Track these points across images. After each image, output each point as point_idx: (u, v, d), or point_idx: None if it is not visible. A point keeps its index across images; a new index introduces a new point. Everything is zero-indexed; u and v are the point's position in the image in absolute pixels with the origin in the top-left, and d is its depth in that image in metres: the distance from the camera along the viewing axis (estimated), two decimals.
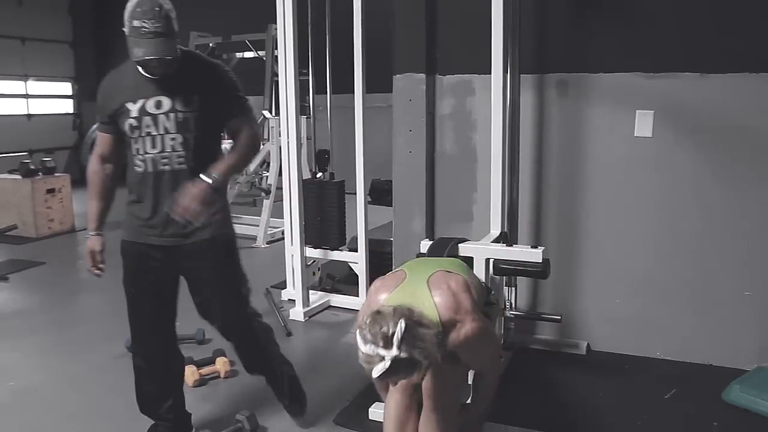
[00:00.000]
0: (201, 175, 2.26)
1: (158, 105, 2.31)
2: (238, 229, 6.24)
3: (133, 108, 2.32)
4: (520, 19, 3.16)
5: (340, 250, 4.41)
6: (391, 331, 1.78)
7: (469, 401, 2.46)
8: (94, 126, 2.51)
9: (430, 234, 3.71)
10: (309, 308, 4.18)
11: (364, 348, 1.81)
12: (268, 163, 6.48)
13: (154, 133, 2.32)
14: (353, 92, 4.01)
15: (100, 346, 3.68)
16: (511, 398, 2.96)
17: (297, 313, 4.13)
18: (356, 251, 4.29)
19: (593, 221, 3.42)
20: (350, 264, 4.38)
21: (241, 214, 7.01)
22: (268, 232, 6.19)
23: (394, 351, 1.77)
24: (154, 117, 2.31)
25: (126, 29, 2.15)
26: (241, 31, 7.74)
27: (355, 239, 4.34)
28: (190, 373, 3.18)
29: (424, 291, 2.07)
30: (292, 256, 4.38)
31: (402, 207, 3.78)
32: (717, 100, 3.11)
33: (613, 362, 3.37)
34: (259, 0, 8.45)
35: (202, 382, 3.21)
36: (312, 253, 4.35)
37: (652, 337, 3.39)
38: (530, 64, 3.33)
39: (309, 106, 4.92)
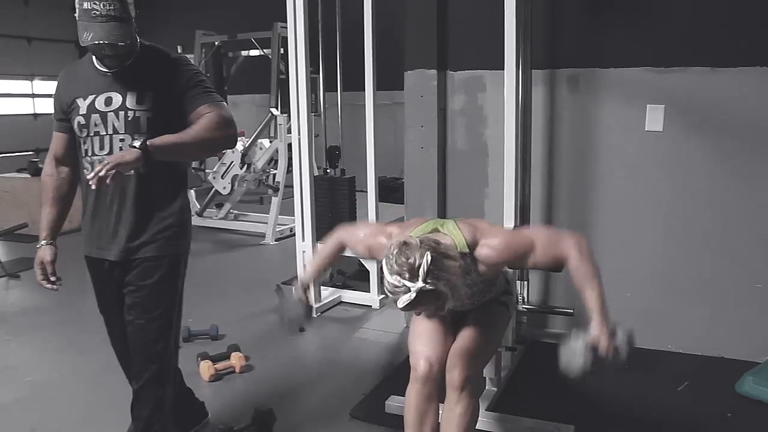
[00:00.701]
0: (133, 142, 1.96)
1: (108, 102, 2.06)
2: (246, 227, 6.43)
3: (83, 104, 2.09)
4: (531, 15, 3.18)
5: None
6: (417, 263, 1.79)
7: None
8: None
9: None
10: (321, 304, 4.20)
11: (390, 278, 1.82)
12: (276, 161, 6.52)
13: (103, 133, 2.07)
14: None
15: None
16: (525, 391, 2.99)
17: None
18: None
19: (604, 215, 3.44)
20: (361, 260, 4.40)
21: (247, 211, 7.07)
22: (277, 230, 6.21)
23: (420, 282, 1.79)
24: (103, 115, 2.06)
25: (76, 12, 1.92)
26: (246, 30, 7.76)
27: None
28: (206, 368, 3.21)
29: (450, 224, 2.09)
30: (303, 252, 4.41)
31: (414, 202, 3.80)
32: (728, 95, 3.13)
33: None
34: None
35: (218, 377, 3.23)
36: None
37: (663, 330, 3.41)
38: (541, 60, 3.35)
39: (318, 103, 4.95)
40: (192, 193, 7.01)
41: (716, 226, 3.25)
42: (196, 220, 6.80)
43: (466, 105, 3.62)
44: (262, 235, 6.23)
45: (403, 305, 1.81)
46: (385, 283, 1.85)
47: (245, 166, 6.24)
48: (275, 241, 6.16)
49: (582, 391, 3.02)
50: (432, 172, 3.70)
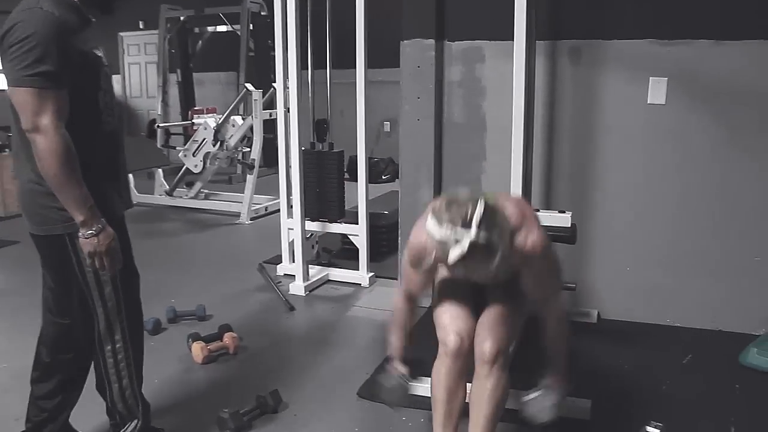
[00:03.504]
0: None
1: None
2: (219, 206, 6.24)
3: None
4: None
5: (339, 222, 4.32)
6: (470, 213, 1.68)
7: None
8: None
9: None
10: (309, 282, 4.08)
11: (440, 230, 1.69)
12: (249, 138, 6.33)
13: None
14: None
15: None
16: (528, 365, 2.93)
17: (298, 287, 4.02)
18: (355, 224, 4.21)
19: (604, 189, 3.40)
20: (351, 237, 4.29)
21: (217, 191, 6.86)
22: (252, 208, 6.04)
23: (473, 232, 1.67)
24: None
25: None
26: (214, 4, 7.50)
27: (352, 212, 4.26)
28: (199, 350, 3.06)
29: (491, 196, 1.99)
30: (289, 229, 4.28)
31: (409, 176, 3.70)
32: (731, 68, 3.11)
33: (625, 329, 3.38)
34: None
35: (211, 359, 3.09)
36: (310, 226, 4.25)
37: (662, 304, 3.41)
38: (543, 31, 3.28)
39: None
40: (159, 171, 6.76)
41: (717, 200, 3.25)
42: (166, 200, 6.59)
43: (464, 76, 3.53)
44: (236, 215, 6.05)
45: (455, 258, 1.68)
46: (433, 238, 1.73)
47: (218, 143, 6.03)
48: (250, 220, 5.98)
49: (589, 365, 3.00)
50: (429, 145, 3.60)
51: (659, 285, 3.40)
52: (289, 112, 4.01)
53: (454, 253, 1.68)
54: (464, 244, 1.67)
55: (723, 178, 3.23)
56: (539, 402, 2.15)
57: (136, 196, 6.65)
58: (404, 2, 3.53)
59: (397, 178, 7.36)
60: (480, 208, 1.69)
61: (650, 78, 3.22)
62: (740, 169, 3.20)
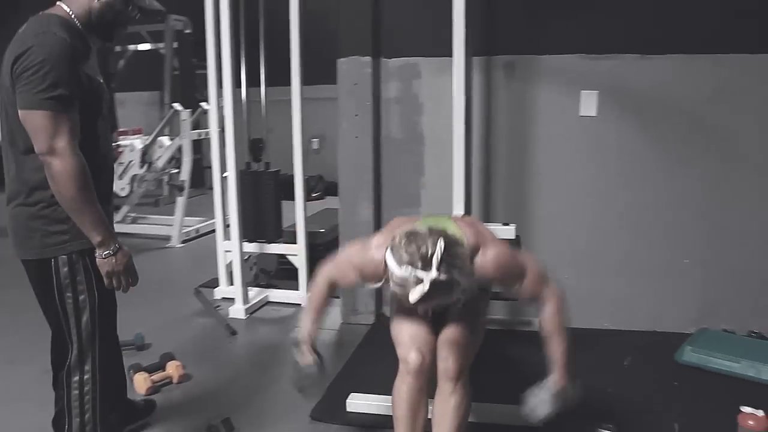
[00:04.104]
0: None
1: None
2: (147, 230, 6.02)
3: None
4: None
5: (277, 242, 4.26)
6: (430, 251, 1.68)
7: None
8: None
9: (377, 220, 3.66)
10: (249, 305, 3.99)
11: (399, 270, 1.70)
12: (176, 159, 6.17)
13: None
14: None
15: (33, 356, 3.34)
16: (485, 378, 2.96)
17: (238, 311, 3.93)
18: (293, 244, 4.16)
19: (540, 199, 3.50)
20: (289, 257, 4.23)
21: (143, 214, 6.64)
22: (183, 231, 5.88)
23: (434, 272, 1.67)
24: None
25: None
26: (136, 22, 7.28)
27: (289, 232, 4.21)
28: (142, 380, 2.94)
29: (448, 221, 2.01)
30: (226, 252, 4.19)
31: (348, 193, 3.69)
32: (657, 80, 3.27)
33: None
34: None
35: (155, 389, 2.97)
36: (247, 247, 4.16)
37: (599, 309, 3.52)
38: (478, 47, 3.35)
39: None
40: None
41: (648, 206, 3.40)
42: None
43: (401, 93, 3.56)
44: (166, 238, 5.86)
45: (416, 298, 1.69)
46: (394, 277, 1.73)
47: (145, 165, 5.85)
48: (182, 243, 5.81)
49: (534, 372, 3.05)
50: (367, 162, 3.61)
51: (596, 290, 3.51)
52: (223, 131, 3.93)
53: (415, 294, 1.69)
54: (425, 285, 1.68)
55: (653, 185, 3.38)
56: (538, 396, 2.08)
57: None
58: (340, 20, 3.54)
59: (328, 195, 7.35)
60: (440, 246, 1.69)
61: (581, 91, 3.35)
62: (669, 178, 3.35)
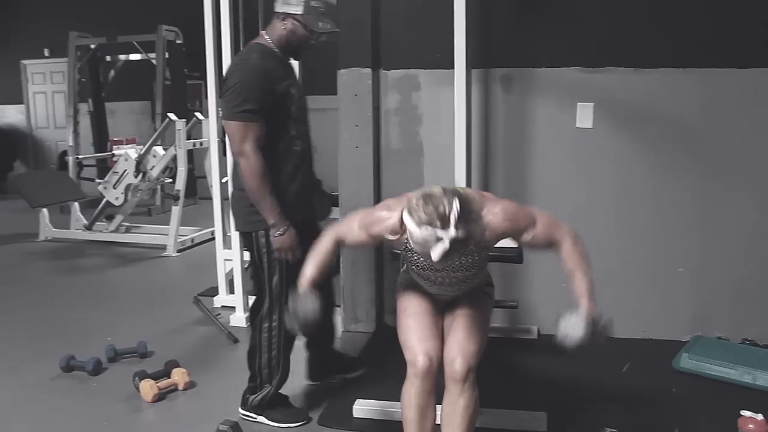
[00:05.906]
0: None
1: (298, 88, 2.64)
2: (141, 239, 6.04)
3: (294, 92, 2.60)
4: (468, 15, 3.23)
5: None
6: (447, 210, 1.74)
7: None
8: None
9: None
10: (249, 313, 4.01)
11: (419, 231, 1.76)
12: (171, 169, 6.19)
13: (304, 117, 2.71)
14: None
15: (35, 365, 3.39)
16: (486, 382, 3.01)
17: (239, 319, 3.96)
18: None
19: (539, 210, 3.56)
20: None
21: (137, 223, 6.65)
22: (178, 240, 5.89)
23: (452, 231, 1.74)
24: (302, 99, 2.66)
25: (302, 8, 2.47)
26: (127, 32, 7.31)
27: None
28: (148, 388, 2.97)
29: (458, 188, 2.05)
30: (226, 260, 4.22)
31: (348, 203, 3.73)
32: (650, 93, 3.36)
33: None
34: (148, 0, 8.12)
35: (161, 396, 2.99)
36: (248, 255, 4.17)
37: None
38: (476, 59, 3.42)
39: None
40: (76, 205, 6.48)
41: (642, 215, 3.48)
42: (84, 234, 6.32)
43: (401, 104, 3.62)
44: (161, 247, 5.87)
45: (439, 256, 1.75)
46: (414, 238, 1.79)
47: (140, 174, 5.86)
48: (177, 252, 5.83)
49: (536, 379, 3.12)
50: (367, 172, 3.66)
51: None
52: (223, 141, 3.96)
53: (437, 252, 1.75)
54: (446, 243, 1.74)
55: (649, 195, 3.45)
56: (570, 320, 2.04)
57: (51, 231, 6.36)
58: (340, 31, 3.59)
59: None
60: (456, 205, 1.76)
61: (578, 103, 3.42)
62: (663, 188, 3.43)
